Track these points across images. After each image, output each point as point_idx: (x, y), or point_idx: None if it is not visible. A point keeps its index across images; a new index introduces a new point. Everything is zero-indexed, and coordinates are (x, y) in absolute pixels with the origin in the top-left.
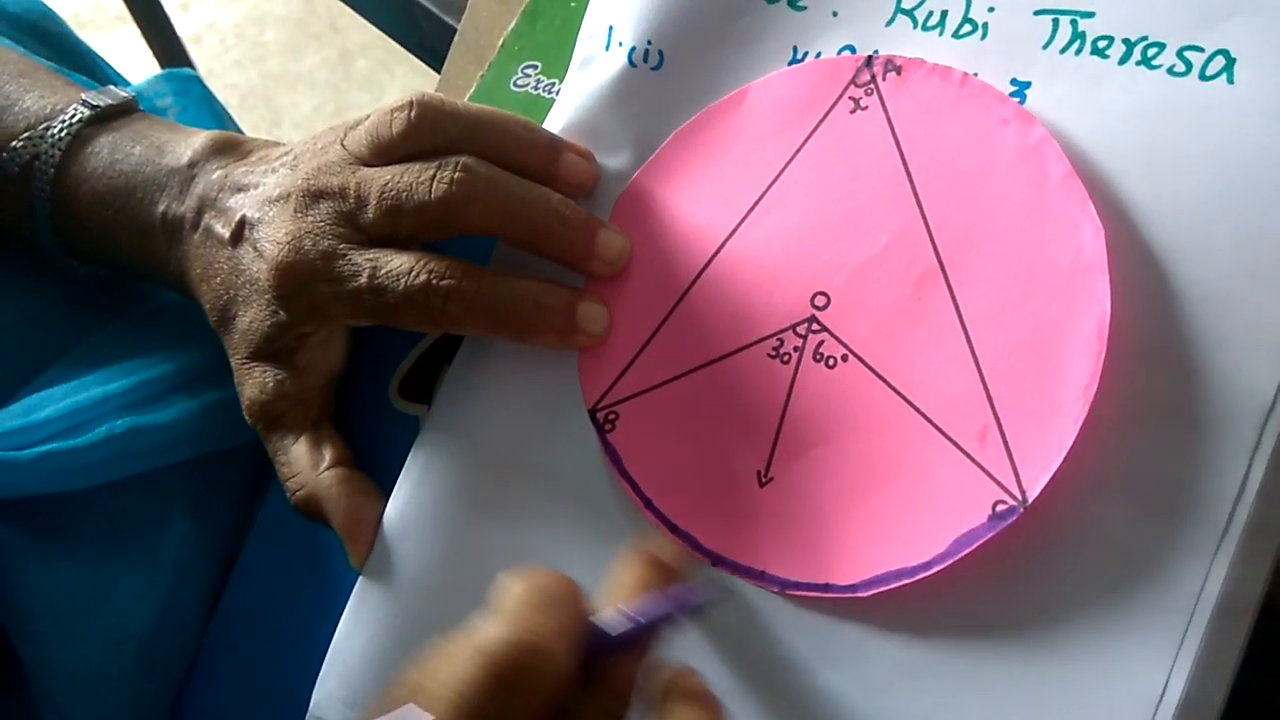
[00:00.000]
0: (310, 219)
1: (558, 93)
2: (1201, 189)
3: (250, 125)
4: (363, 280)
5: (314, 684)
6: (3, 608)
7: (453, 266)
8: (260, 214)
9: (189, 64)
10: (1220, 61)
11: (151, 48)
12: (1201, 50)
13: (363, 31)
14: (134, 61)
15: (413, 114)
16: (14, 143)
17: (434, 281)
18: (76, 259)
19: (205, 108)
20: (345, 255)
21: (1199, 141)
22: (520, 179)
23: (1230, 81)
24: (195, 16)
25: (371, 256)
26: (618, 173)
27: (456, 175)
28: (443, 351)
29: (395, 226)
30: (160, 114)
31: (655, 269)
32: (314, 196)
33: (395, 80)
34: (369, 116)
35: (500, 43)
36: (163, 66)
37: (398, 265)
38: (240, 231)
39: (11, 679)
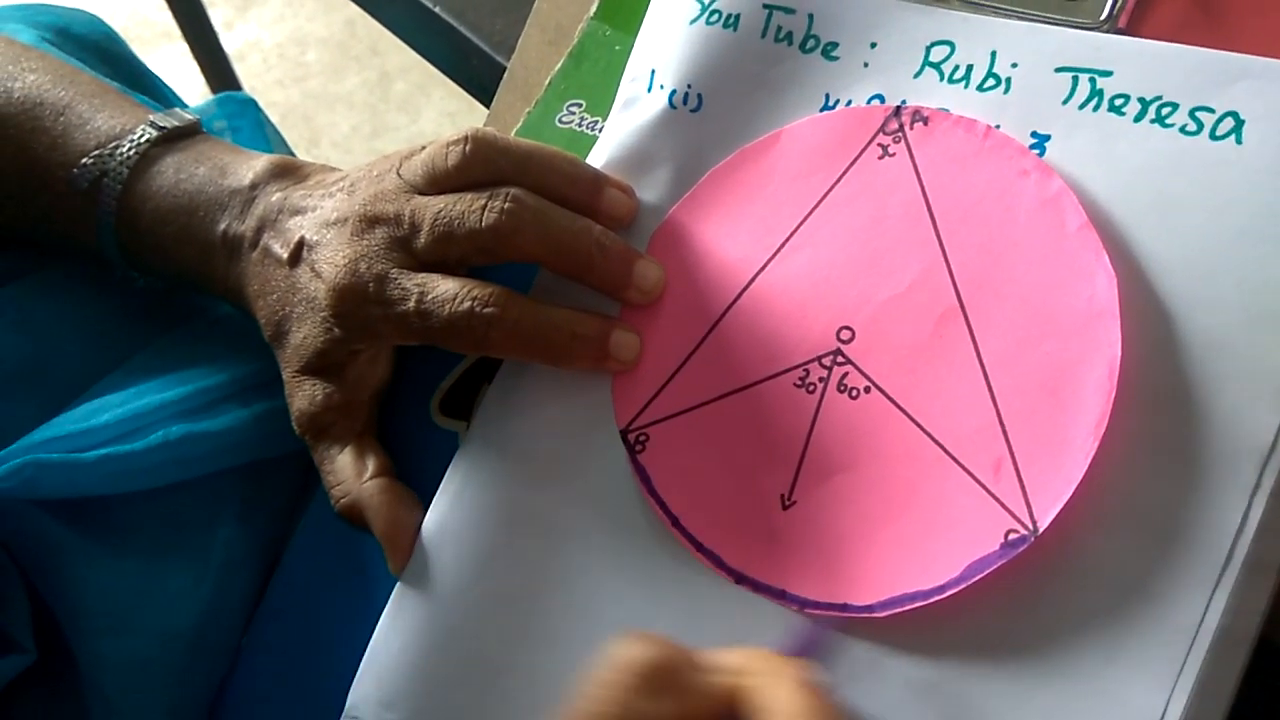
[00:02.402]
0: (366, 243)
1: (600, 130)
2: (1209, 241)
3: (289, 143)
4: (410, 304)
5: (350, 685)
6: (58, 602)
7: (496, 294)
8: (318, 236)
9: (234, 81)
10: (1230, 123)
11: (199, 65)
12: (1212, 111)
13: (402, 54)
14: (179, 78)
15: (468, 148)
16: (84, 160)
17: (477, 309)
18: (138, 271)
19: (258, 130)
20: (396, 279)
21: (1208, 197)
22: (565, 211)
23: (1239, 142)
24: (239, 35)
25: (420, 281)
26: (655, 207)
27: (507, 205)
28: (483, 371)
29: (446, 252)
30: (218, 135)
31: (688, 299)
32: (370, 222)
33: (432, 103)
34: (424, 148)
35: (547, 81)
36: (209, 83)
37: (444, 291)
38: (299, 252)
39: (63, 671)
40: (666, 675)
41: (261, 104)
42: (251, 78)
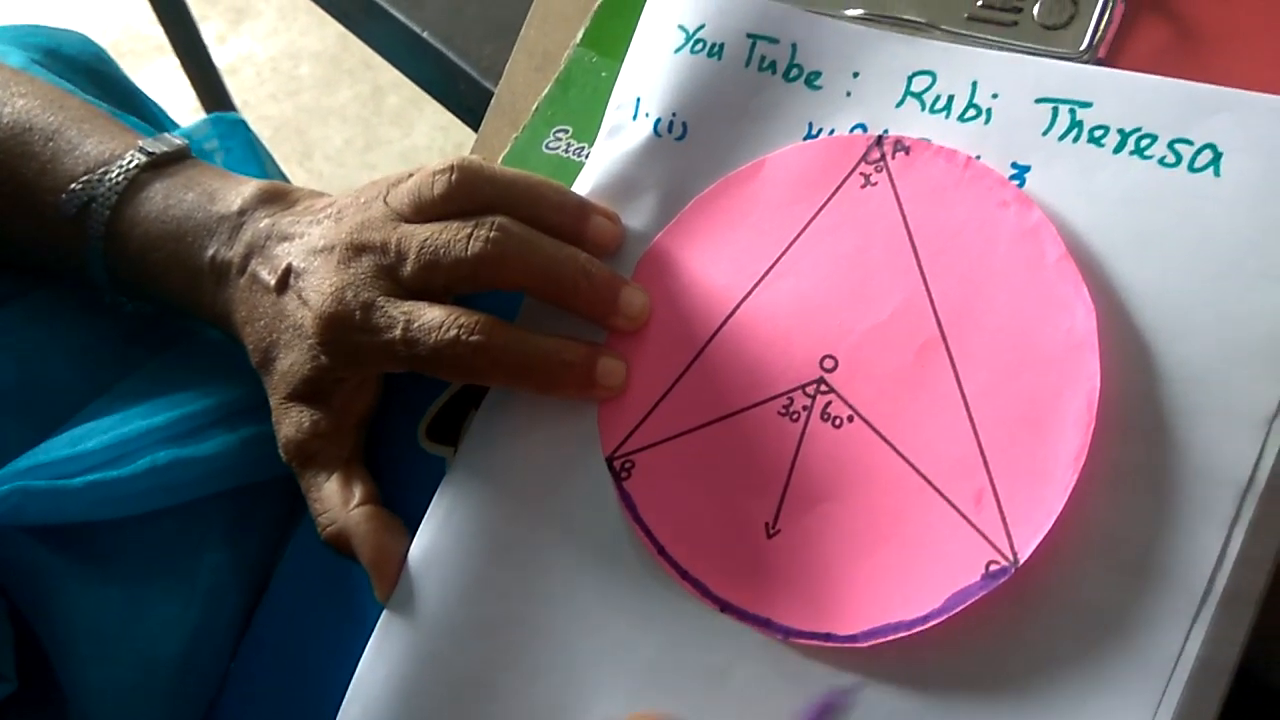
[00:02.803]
0: (353, 271)
1: (586, 156)
2: (1188, 274)
3: (282, 157)
4: (397, 332)
5: (337, 712)
6: (43, 629)
7: (481, 322)
8: (305, 264)
9: (226, 95)
10: (1208, 155)
11: (190, 79)
12: (1191, 143)
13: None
14: (172, 92)
15: (453, 177)
16: (73, 185)
17: (463, 337)
18: (126, 296)
19: (249, 150)
20: (382, 307)
21: (1186, 229)
22: (551, 239)
23: (1217, 174)
24: (232, 49)
25: (406, 310)
26: (641, 234)
27: (492, 235)
28: (470, 397)
29: (431, 280)
30: (207, 155)
31: (674, 326)
32: (357, 250)
33: (425, 117)
34: (411, 175)
35: (534, 107)
36: (200, 97)
37: (430, 319)
38: (286, 279)
39: (48, 699)
40: None
41: (254, 118)
42: (244, 91)
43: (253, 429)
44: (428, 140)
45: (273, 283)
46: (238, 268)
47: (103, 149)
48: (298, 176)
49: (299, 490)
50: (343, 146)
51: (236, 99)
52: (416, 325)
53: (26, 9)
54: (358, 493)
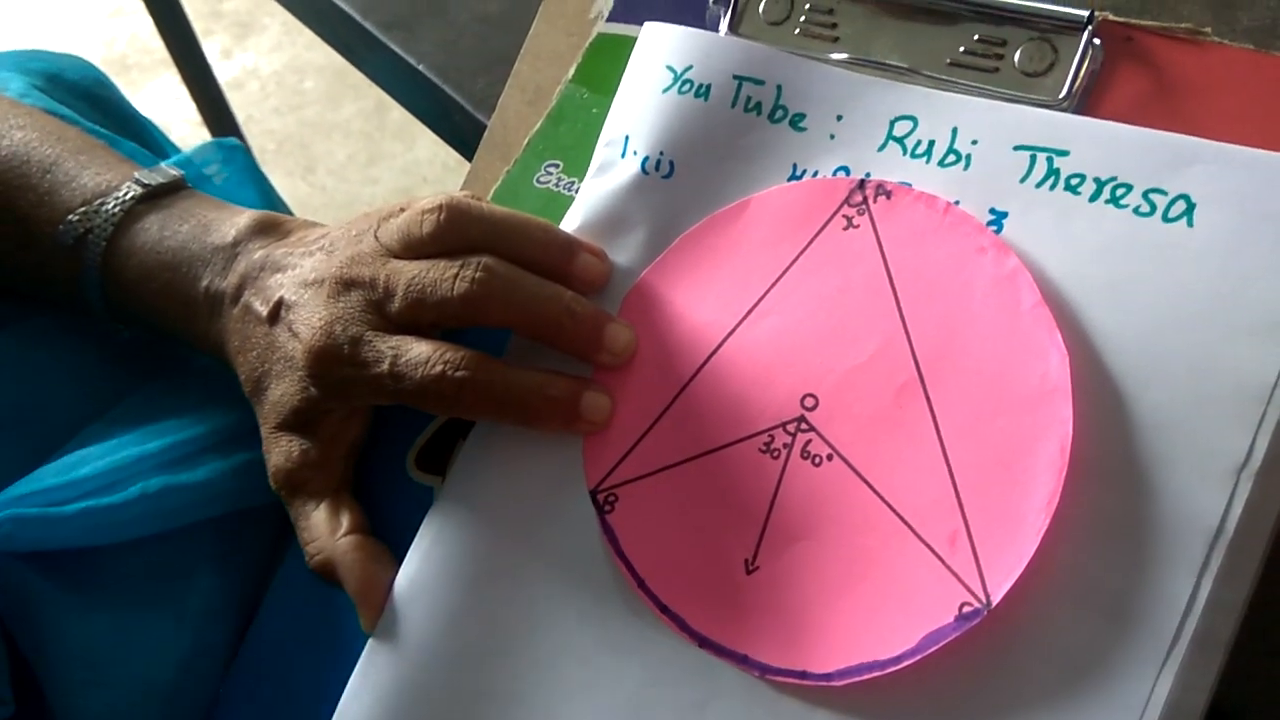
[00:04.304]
0: (342, 305)
1: (576, 190)
2: (1160, 322)
3: (285, 171)
4: (385, 366)
5: None
6: (36, 656)
7: (468, 358)
8: (296, 296)
9: (228, 110)
10: (1182, 205)
11: (191, 94)
12: (1165, 194)
13: None
14: (178, 105)
15: (442, 216)
16: (70, 216)
17: (449, 372)
18: (123, 323)
19: (248, 174)
20: (370, 342)
21: (1160, 278)
22: (537, 278)
23: (1190, 225)
24: (237, 63)
25: (394, 345)
26: (627, 270)
27: (478, 275)
28: (459, 427)
29: (418, 317)
30: (208, 179)
31: (659, 362)
32: (346, 284)
33: (427, 132)
34: (403, 211)
35: (526, 141)
36: (201, 112)
37: (417, 355)
38: (277, 311)
39: None
40: None
41: (258, 132)
42: (249, 105)
43: (245, 455)
44: (430, 155)
45: (265, 314)
46: (231, 298)
47: (99, 181)
48: (301, 190)
49: (288, 516)
50: (346, 161)
51: (241, 113)
52: (403, 360)
53: (35, 22)
54: (345, 522)
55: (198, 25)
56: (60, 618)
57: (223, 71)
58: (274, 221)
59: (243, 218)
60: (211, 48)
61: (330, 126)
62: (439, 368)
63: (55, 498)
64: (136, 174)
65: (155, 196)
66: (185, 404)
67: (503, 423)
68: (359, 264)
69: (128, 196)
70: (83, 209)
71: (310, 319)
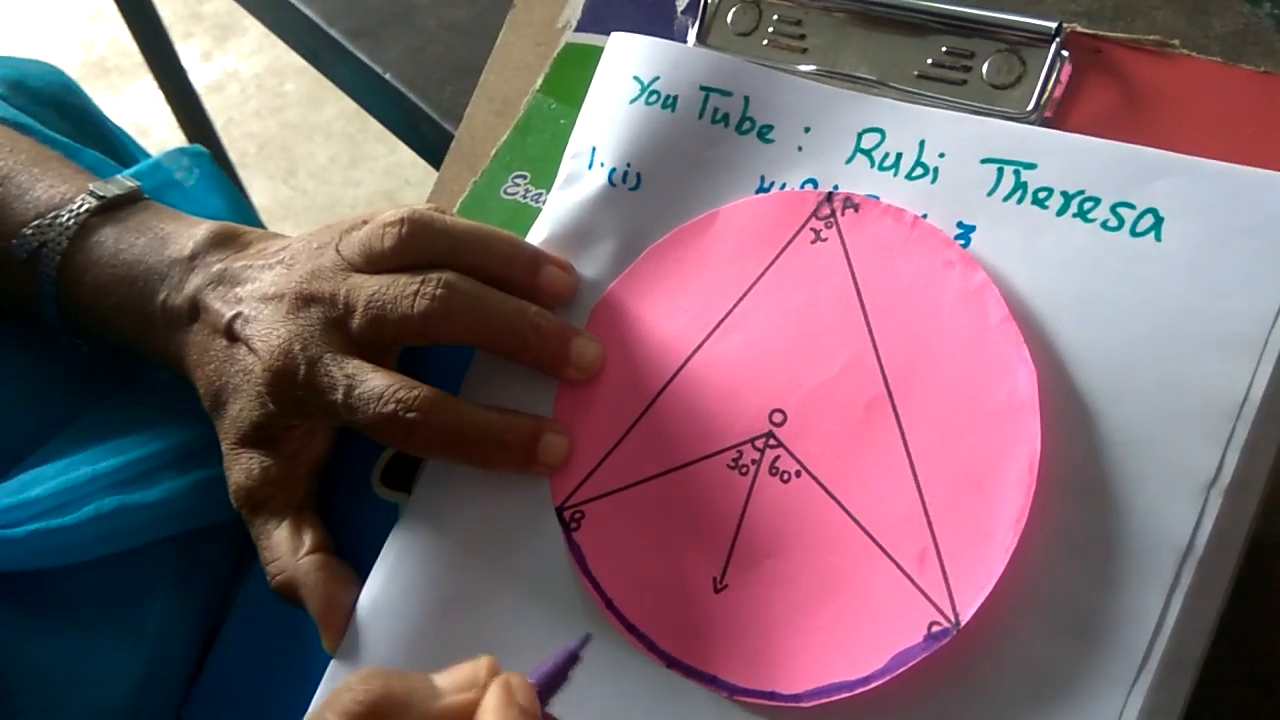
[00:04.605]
0: (301, 322)
1: (544, 202)
2: (1128, 338)
3: (267, 174)
4: (339, 395)
5: None
6: None
7: (421, 399)
8: (254, 311)
9: (203, 115)
10: (1150, 219)
11: (166, 97)
12: (1133, 207)
13: None
14: (159, 109)
15: (404, 230)
16: (25, 230)
17: (400, 412)
18: (81, 338)
19: (214, 181)
20: (327, 367)
21: (1128, 293)
22: (500, 294)
23: (1158, 239)
24: (217, 65)
25: (350, 373)
26: (595, 282)
27: (438, 292)
28: None
29: (379, 334)
30: (178, 185)
31: (626, 376)
32: (306, 300)
33: None
34: (365, 224)
35: (493, 152)
36: (177, 116)
37: (371, 389)
38: (234, 326)
39: None
40: (392, 713)
41: (239, 134)
42: (230, 108)
43: (202, 473)
44: (412, 157)
45: (223, 328)
46: (189, 313)
47: (54, 193)
48: (283, 194)
49: (250, 534)
50: (328, 163)
51: (221, 116)
52: (357, 393)
53: (11, 25)
54: (308, 540)
55: (177, 28)
56: (12, 642)
57: (203, 74)
58: (232, 233)
59: (200, 229)
60: (192, 50)
61: (311, 129)
62: (391, 406)
63: (6, 519)
64: (91, 186)
65: (111, 209)
66: (142, 420)
67: (456, 463)
68: (319, 279)
69: (82, 209)
70: (36, 222)
71: (269, 336)
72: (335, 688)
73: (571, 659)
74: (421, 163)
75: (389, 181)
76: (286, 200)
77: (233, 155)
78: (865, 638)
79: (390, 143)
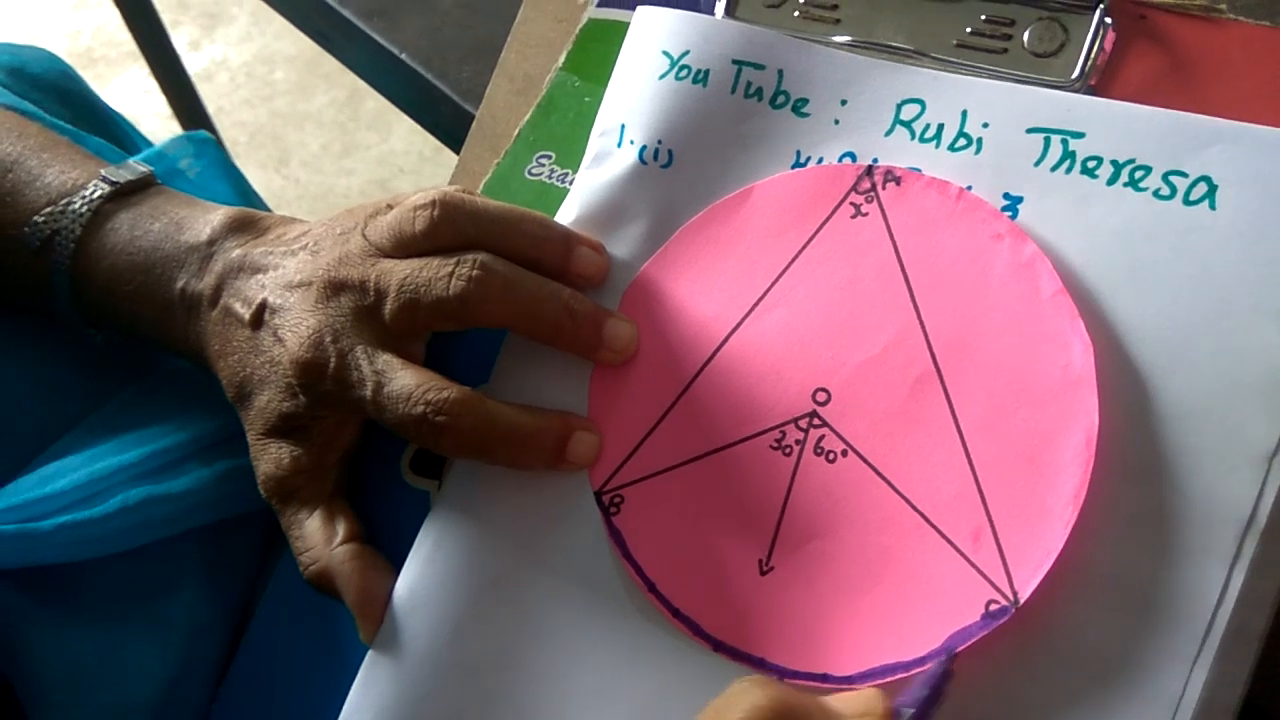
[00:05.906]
0: (331, 312)
1: (570, 182)
2: (1184, 309)
3: (258, 163)
4: (367, 392)
5: None
6: (17, 676)
7: (451, 402)
8: (281, 300)
9: (198, 102)
10: (1203, 187)
11: (161, 86)
12: (1186, 175)
13: None
14: (147, 99)
15: (435, 213)
16: (36, 218)
17: (429, 415)
18: (95, 328)
19: (220, 168)
20: (357, 361)
21: (1182, 264)
22: (534, 275)
23: (1212, 207)
24: (206, 54)
25: (379, 369)
26: (627, 263)
27: (474, 274)
28: None
29: (412, 320)
30: (181, 173)
31: (663, 357)
32: (335, 288)
33: (403, 120)
34: (391, 209)
35: (516, 132)
36: (171, 104)
37: (399, 389)
38: (260, 315)
39: None
40: None
41: (229, 124)
42: (219, 97)
43: (228, 463)
44: (405, 145)
45: (247, 317)
46: (209, 300)
47: (65, 179)
48: (274, 183)
49: (278, 524)
50: (320, 152)
51: (211, 105)
52: (386, 391)
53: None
54: (341, 530)
55: (165, 17)
56: (41, 637)
57: (191, 63)
58: (250, 218)
59: (217, 215)
60: (179, 39)
61: (302, 117)
62: (420, 408)
63: (31, 513)
64: (104, 171)
65: (124, 194)
66: (164, 410)
67: (485, 463)
68: (347, 265)
69: (95, 195)
70: (48, 210)
71: (297, 325)
72: (717, 699)
73: (946, 676)
74: (415, 150)
75: (382, 170)
76: (279, 190)
77: (224, 145)
78: (919, 618)
79: (383, 130)
